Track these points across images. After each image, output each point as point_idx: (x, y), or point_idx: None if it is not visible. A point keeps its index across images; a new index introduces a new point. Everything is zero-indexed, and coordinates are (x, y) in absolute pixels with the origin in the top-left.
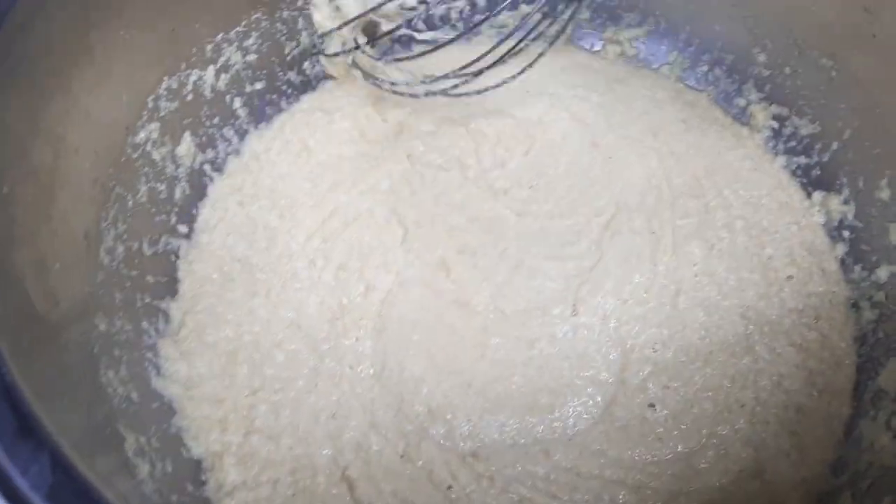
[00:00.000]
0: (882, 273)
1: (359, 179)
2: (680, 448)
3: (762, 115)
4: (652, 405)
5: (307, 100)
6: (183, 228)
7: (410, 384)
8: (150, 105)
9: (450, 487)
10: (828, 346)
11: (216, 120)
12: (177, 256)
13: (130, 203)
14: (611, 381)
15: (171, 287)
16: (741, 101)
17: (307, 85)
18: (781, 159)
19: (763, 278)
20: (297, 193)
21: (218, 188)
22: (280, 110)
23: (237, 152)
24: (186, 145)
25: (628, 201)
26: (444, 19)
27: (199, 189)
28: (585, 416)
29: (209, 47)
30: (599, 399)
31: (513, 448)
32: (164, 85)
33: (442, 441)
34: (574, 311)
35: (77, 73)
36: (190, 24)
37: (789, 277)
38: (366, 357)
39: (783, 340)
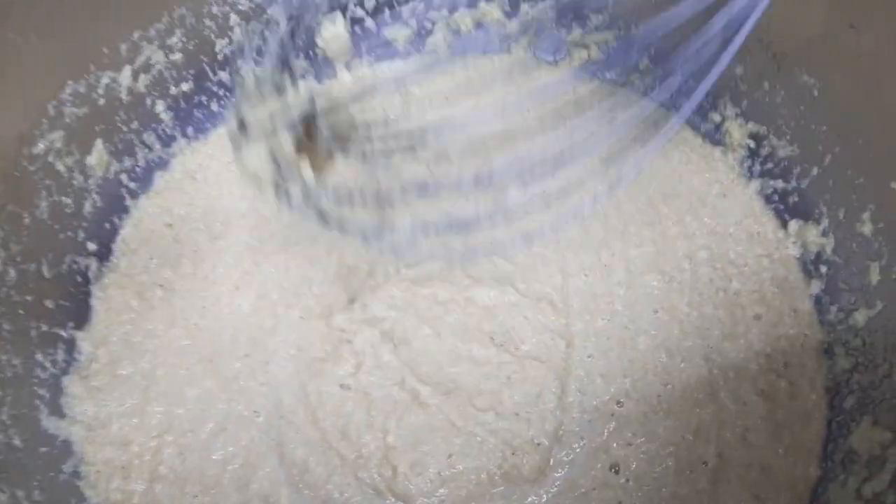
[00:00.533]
0: (860, 317)
1: None
2: None
3: (738, 132)
4: (615, 468)
5: None
6: (92, 246)
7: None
8: (52, 112)
9: None
10: (797, 395)
11: (134, 125)
12: (84, 277)
13: (27, 220)
14: (575, 447)
15: (76, 313)
16: (716, 117)
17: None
18: (756, 184)
19: (729, 316)
20: (234, 215)
21: (143, 207)
22: (213, 115)
23: (166, 167)
24: (98, 154)
25: (571, 235)
26: None
27: (113, 202)
28: (543, 484)
29: (124, 46)
30: (560, 468)
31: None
32: (68, 89)
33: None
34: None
35: None
36: (98, 22)
37: (757, 316)
38: (273, 402)
39: (749, 388)
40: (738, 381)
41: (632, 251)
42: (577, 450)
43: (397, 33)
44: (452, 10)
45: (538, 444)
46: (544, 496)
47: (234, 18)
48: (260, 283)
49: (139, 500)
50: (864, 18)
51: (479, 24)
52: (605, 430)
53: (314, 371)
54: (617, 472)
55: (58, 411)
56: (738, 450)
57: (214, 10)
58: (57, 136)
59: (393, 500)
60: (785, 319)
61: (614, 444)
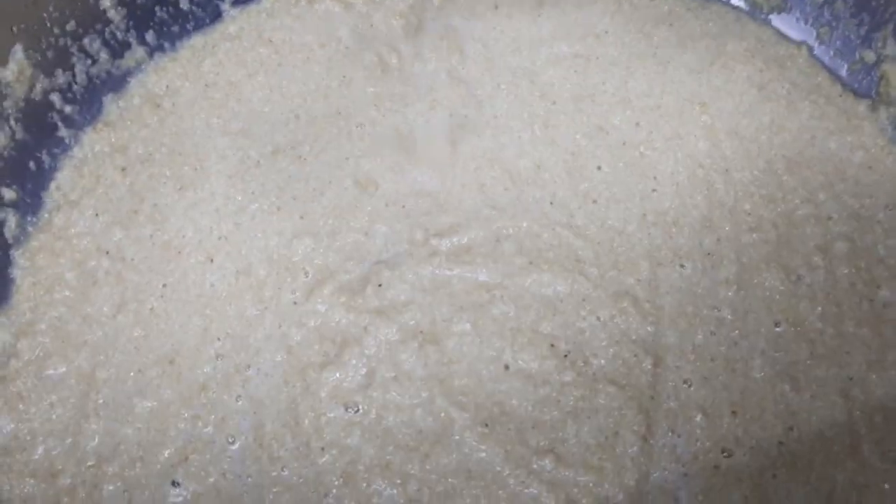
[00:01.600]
0: None
1: (320, 145)
2: None
3: None
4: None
5: (238, 18)
6: (10, 194)
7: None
8: None
9: None
10: None
11: (70, 25)
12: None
13: None
14: None
15: None
16: (869, 55)
17: None
18: None
19: (876, 336)
20: (211, 156)
21: (87, 143)
22: (183, 16)
23: (120, 88)
24: (17, 65)
25: (664, 206)
26: None
27: (42, 132)
28: None
29: None
30: None
31: None
32: None
33: None
34: None
35: None
36: None
37: None
38: (253, 424)
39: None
40: (889, 428)
41: (744, 237)
42: None
43: None
44: None
45: None
46: None
47: None
48: (241, 253)
49: None
50: None
51: None
52: (707, 490)
53: (309, 382)
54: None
55: None
56: None
57: None
58: None
59: None
60: None
61: None
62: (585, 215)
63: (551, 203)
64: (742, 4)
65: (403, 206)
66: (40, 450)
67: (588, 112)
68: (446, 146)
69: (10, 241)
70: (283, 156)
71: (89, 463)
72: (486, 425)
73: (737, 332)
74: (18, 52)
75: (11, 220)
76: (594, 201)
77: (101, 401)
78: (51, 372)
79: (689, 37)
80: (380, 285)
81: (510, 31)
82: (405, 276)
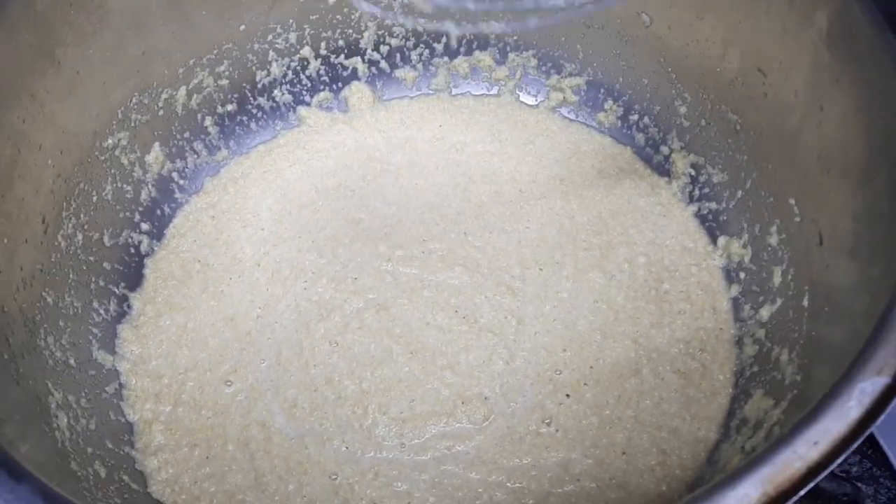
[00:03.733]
0: (765, 312)
1: (328, 203)
2: (562, 455)
3: (682, 162)
4: (547, 421)
5: (286, 135)
6: (145, 226)
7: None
8: (121, 116)
9: (334, 477)
10: (708, 376)
11: (186, 134)
12: (137, 250)
13: (95, 198)
14: (515, 403)
15: (128, 276)
16: (665, 149)
17: (276, 111)
18: (693, 207)
19: (657, 309)
20: (262, 208)
21: (193, 204)
22: (252, 132)
23: (214, 173)
24: (155, 154)
25: (531, 236)
26: None
27: (166, 194)
28: (486, 429)
29: (181, 70)
30: (502, 418)
31: (406, 451)
32: (134, 99)
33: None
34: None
35: (43, 82)
36: (161, 48)
37: (681, 311)
38: (275, 352)
39: (668, 367)
40: (660, 361)
41: (580, 252)
42: (516, 405)
43: (406, 75)
44: (452, 57)
45: (485, 398)
46: (486, 439)
47: (272, 54)
48: (275, 261)
49: (165, 418)
50: (766, 65)
51: (474, 69)
52: (543, 391)
53: (310, 330)
54: (549, 424)
55: (108, 348)
56: (653, 414)
57: (256, 46)
58: (123, 136)
59: (361, 432)
60: (705, 315)
61: (548, 403)
62: None
63: None
64: (594, 124)
65: (368, 235)
66: (153, 363)
67: None
68: None
69: (144, 253)
70: (305, 209)
71: (179, 371)
72: (412, 353)
73: (570, 305)
74: (157, 146)
75: (146, 241)
76: None
77: (189, 339)
78: (162, 323)
79: (558, 142)
80: (355, 278)
81: None
82: (371, 272)
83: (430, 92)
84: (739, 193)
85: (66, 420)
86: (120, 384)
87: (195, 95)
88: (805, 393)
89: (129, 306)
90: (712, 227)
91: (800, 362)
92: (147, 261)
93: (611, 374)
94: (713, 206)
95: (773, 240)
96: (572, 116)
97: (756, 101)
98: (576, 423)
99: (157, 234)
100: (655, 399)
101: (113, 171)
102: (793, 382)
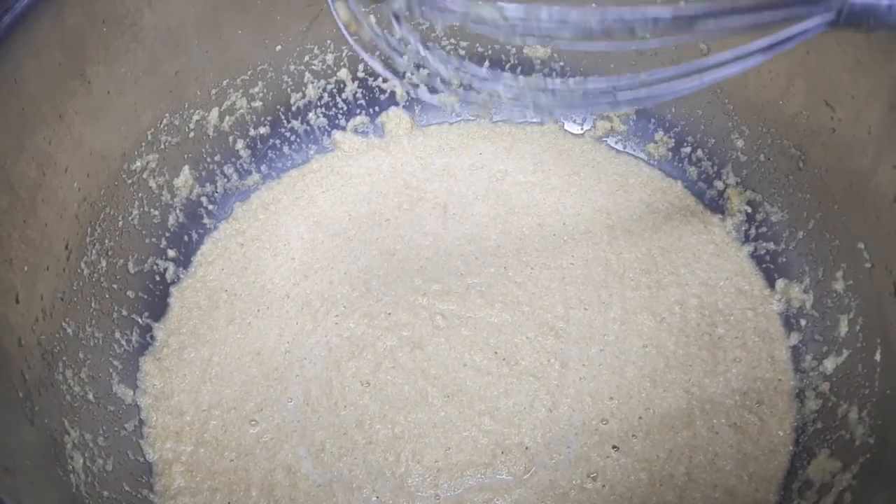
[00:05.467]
0: (829, 364)
1: (362, 233)
2: None
3: (737, 198)
4: (593, 476)
5: (319, 160)
6: (172, 252)
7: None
8: (150, 137)
9: None
10: (766, 431)
11: (217, 157)
12: (162, 278)
13: (120, 223)
14: (559, 454)
15: (153, 305)
16: (719, 184)
17: (310, 135)
18: (749, 247)
19: (711, 356)
20: (294, 237)
21: (222, 231)
22: (285, 156)
23: (244, 199)
24: (184, 178)
25: (575, 273)
26: None
27: (194, 219)
28: (527, 482)
29: (214, 91)
30: (544, 470)
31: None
32: (165, 120)
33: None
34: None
35: (72, 102)
36: (195, 68)
37: (737, 359)
38: (304, 391)
39: (723, 420)
40: (714, 413)
41: (628, 292)
42: (561, 457)
43: (446, 100)
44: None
45: (526, 448)
46: (527, 492)
47: (307, 76)
48: (306, 293)
49: (186, 458)
50: (835, 98)
51: (517, 97)
52: (588, 442)
53: (340, 368)
54: (595, 479)
55: (129, 381)
56: (707, 472)
57: (292, 67)
58: (152, 158)
59: (393, 481)
60: (763, 364)
61: (594, 455)
62: None
63: None
64: (643, 155)
65: (403, 267)
66: (175, 399)
67: None
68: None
69: (170, 281)
70: (337, 238)
71: (203, 408)
72: (449, 395)
73: (617, 349)
74: (186, 170)
75: (171, 269)
76: None
77: (213, 374)
78: (186, 356)
79: (604, 173)
80: (389, 314)
81: None
82: (405, 307)
83: (471, 118)
84: (801, 234)
85: (81, 461)
86: (140, 420)
87: (227, 117)
88: (881, 459)
89: (152, 337)
90: (769, 268)
91: (872, 423)
92: (172, 289)
93: (661, 426)
94: (771, 246)
95: (839, 286)
96: (620, 147)
97: (822, 136)
98: (624, 479)
99: (184, 262)
100: (709, 455)
101: (140, 194)
102: (864, 445)
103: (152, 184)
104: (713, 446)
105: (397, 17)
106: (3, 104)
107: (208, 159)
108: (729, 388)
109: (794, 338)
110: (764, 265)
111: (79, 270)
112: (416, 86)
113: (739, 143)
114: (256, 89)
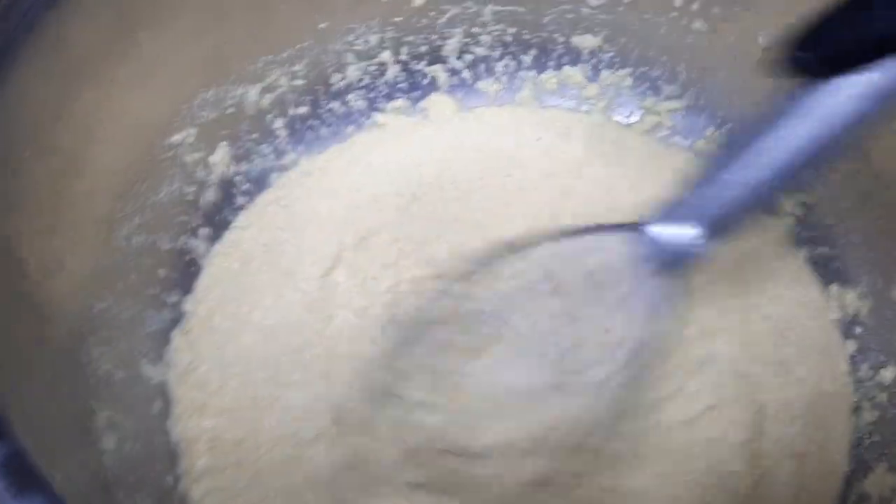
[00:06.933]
0: (887, 374)
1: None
2: None
3: (789, 200)
4: None
5: (360, 139)
6: (205, 231)
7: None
8: (190, 111)
9: None
10: (825, 458)
11: (255, 136)
12: (193, 255)
13: (154, 198)
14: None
15: (183, 283)
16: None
17: (349, 116)
18: (803, 251)
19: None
20: (320, 208)
21: (258, 202)
22: (321, 138)
23: (283, 172)
24: (221, 154)
25: None
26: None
27: (227, 197)
28: None
29: (256, 66)
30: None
31: None
32: (205, 93)
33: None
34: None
35: (116, 69)
36: (238, 39)
37: (800, 379)
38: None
39: (786, 451)
40: (778, 445)
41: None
42: None
43: (489, 87)
44: (540, 71)
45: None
46: None
47: (349, 56)
48: (347, 267)
49: (210, 435)
50: None
51: (563, 85)
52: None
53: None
54: None
55: (157, 360)
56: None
57: (335, 46)
58: (191, 133)
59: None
60: (824, 380)
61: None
62: None
63: None
64: (691, 152)
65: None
66: (202, 368)
67: None
68: None
69: (201, 258)
70: (358, 209)
71: (228, 375)
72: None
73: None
74: (224, 146)
75: (203, 247)
76: None
77: (244, 339)
78: (214, 324)
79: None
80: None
81: None
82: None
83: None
84: (857, 238)
85: (111, 442)
86: (166, 400)
87: (267, 95)
88: None
89: (182, 314)
90: (822, 273)
91: None
92: (202, 262)
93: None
94: (825, 250)
95: None
96: (668, 141)
97: (884, 137)
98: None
99: (216, 238)
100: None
101: (175, 170)
102: None
103: (188, 159)
104: (774, 476)
105: None
106: (50, 64)
107: (245, 137)
108: (790, 415)
109: (851, 346)
110: (817, 270)
111: (110, 247)
112: None
113: None
114: (298, 67)
